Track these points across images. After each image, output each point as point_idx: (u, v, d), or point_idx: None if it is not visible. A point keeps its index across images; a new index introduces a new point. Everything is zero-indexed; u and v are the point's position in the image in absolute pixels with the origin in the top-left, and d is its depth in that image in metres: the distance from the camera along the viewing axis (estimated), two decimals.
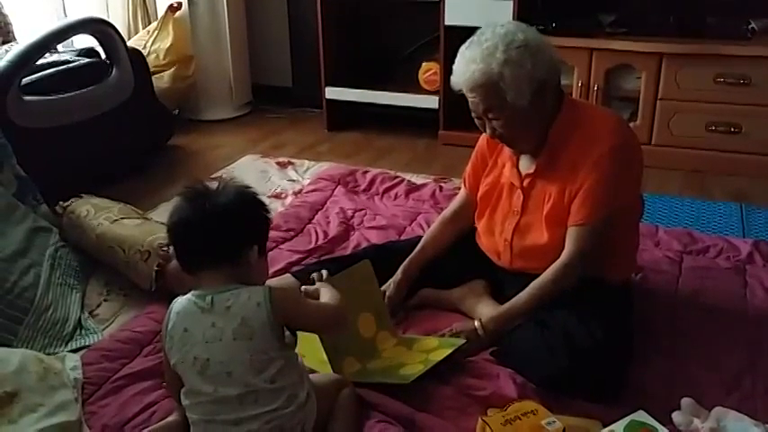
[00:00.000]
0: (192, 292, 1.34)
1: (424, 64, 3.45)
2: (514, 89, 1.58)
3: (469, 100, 1.66)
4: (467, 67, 1.62)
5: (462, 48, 1.66)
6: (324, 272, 1.63)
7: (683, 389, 1.56)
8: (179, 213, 1.34)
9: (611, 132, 1.66)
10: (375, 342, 1.72)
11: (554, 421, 1.40)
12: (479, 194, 1.88)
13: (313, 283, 1.54)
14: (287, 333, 1.35)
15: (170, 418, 1.46)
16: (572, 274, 1.66)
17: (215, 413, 1.31)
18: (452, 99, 3.29)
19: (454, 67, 1.66)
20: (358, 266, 1.75)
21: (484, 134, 1.81)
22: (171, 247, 1.97)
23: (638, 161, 1.73)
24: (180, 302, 1.35)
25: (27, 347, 1.75)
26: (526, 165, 1.76)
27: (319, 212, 2.55)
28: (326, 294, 1.45)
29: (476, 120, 1.70)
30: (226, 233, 1.31)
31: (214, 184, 1.36)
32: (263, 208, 1.39)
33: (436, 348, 1.67)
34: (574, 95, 3.02)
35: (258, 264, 1.36)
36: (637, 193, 1.79)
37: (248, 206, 1.36)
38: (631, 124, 2.92)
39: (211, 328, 1.29)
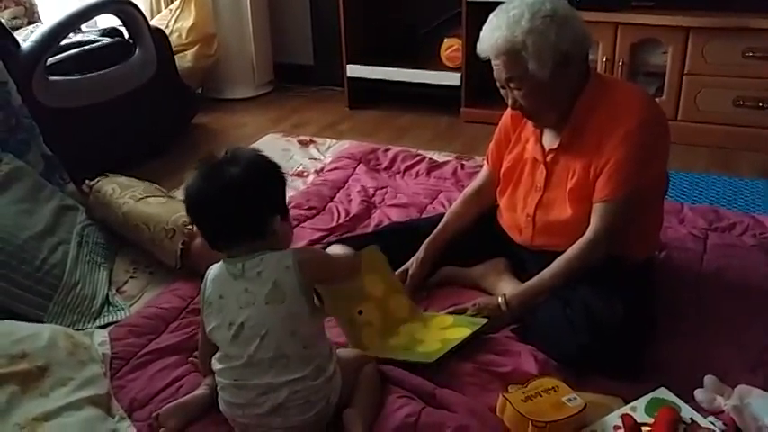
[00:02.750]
0: (223, 260, 1.38)
1: (445, 40, 3.41)
2: (536, 59, 1.57)
3: (494, 68, 1.65)
4: (492, 33, 1.61)
5: (491, 15, 1.65)
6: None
7: (706, 366, 1.55)
8: (195, 191, 1.35)
9: (638, 108, 1.64)
10: (392, 316, 1.73)
11: (575, 398, 1.41)
12: (502, 170, 1.87)
13: None
14: (315, 300, 1.38)
15: (197, 392, 1.50)
16: (597, 250, 1.65)
17: (246, 377, 1.34)
18: (474, 76, 3.30)
19: (482, 32, 1.65)
20: (365, 251, 1.72)
21: (508, 110, 1.80)
22: (195, 226, 2.01)
23: (664, 137, 1.71)
24: (214, 270, 1.39)
25: (56, 323, 1.80)
26: (550, 140, 1.75)
27: (341, 191, 2.56)
28: (338, 250, 1.51)
29: (500, 89, 1.69)
30: (243, 211, 1.33)
31: (221, 155, 1.36)
32: (275, 173, 1.39)
33: (451, 326, 1.68)
34: (599, 71, 2.97)
35: (282, 228, 1.38)
36: (663, 170, 1.77)
37: (261, 177, 1.35)
38: (657, 100, 2.87)
39: (244, 293, 1.33)
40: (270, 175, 1.38)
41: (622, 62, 3.03)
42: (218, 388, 1.40)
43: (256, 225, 1.34)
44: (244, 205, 1.32)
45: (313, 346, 1.36)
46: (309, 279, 1.35)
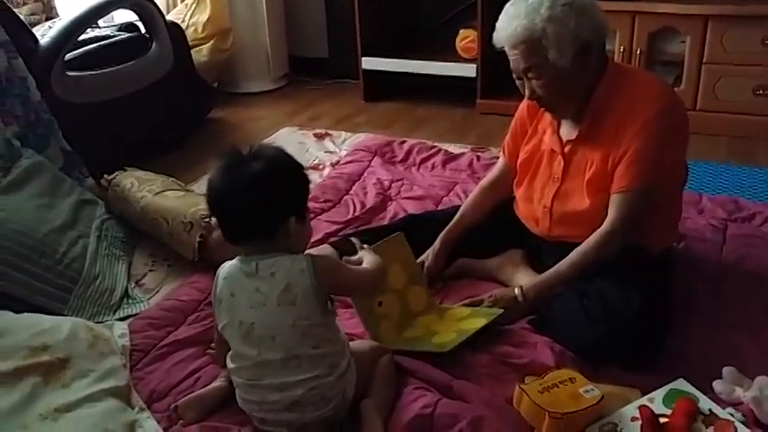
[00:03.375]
0: (238, 257, 1.37)
1: (461, 31, 3.40)
2: (556, 47, 1.56)
3: (510, 58, 1.63)
4: (510, 22, 1.59)
5: (507, 4, 1.64)
6: (356, 241, 1.64)
7: (725, 357, 1.54)
8: (215, 185, 1.35)
9: (656, 97, 1.62)
10: (410, 308, 1.73)
11: (592, 389, 1.40)
12: (519, 162, 1.86)
13: (354, 249, 1.55)
14: (328, 305, 1.37)
15: (215, 384, 1.51)
16: (615, 241, 1.64)
17: (259, 377, 1.35)
18: (490, 67, 3.28)
19: (497, 23, 1.64)
20: (392, 238, 1.75)
21: (524, 101, 1.79)
22: (213, 219, 2.03)
23: (683, 127, 1.69)
24: (226, 268, 1.39)
25: (77, 316, 1.82)
26: (567, 131, 1.74)
27: (356, 183, 2.56)
28: (368, 258, 1.49)
29: (516, 80, 1.68)
30: (259, 211, 1.31)
31: (245, 150, 1.34)
32: (296, 174, 1.37)
33: (468, 317, 1.68)
34: (616, 60, 2.94)
35: (298, 232, 1.35)
36: (682, 160, 1.75)
37: (278, 177, 1.33)
38: (675, 89, 2.84)
39: (256, 293, 1.32)
40: (288, 176, 1.35)
41: (640, 51, 3.00)
42: (234, 384, 1.41)
43: (267, 225, 1.32)
44: (256, 204, 1.31)
45: (324, 345, 1.35)
46: (323, 286, 1.33)
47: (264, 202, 1.31)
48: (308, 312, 1.32)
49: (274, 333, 1.32)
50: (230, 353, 1.40)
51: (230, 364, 1.40)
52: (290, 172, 1.36)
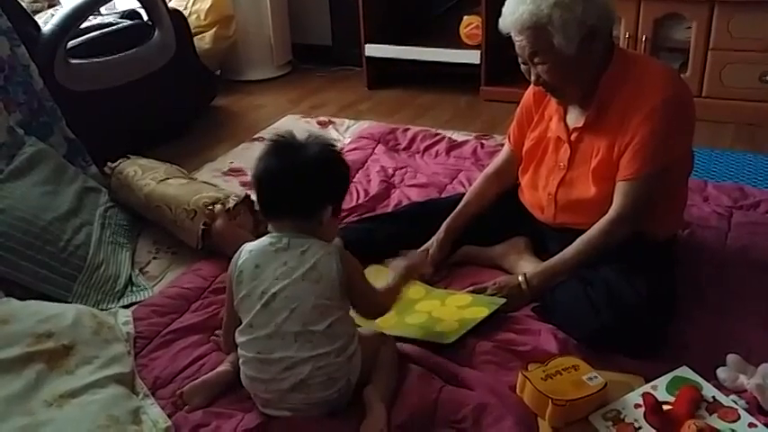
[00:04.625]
0: (269, 235, 1.42)
1: (465, 18, 3.37)
2: (562, 33, 1.55)
3: (516, 44, 1.62)
4: (516, 7, 1.58)
5: None
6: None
7: (729, 345, 1.54)
8: (266, 161, 1.40)
9: (663, 85, 1.61)
10: (409, 294, 1.72)
11: (595, 376, 1.40)
12: (524, 149, 1.86)
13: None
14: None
15: (219, 369, 1.52)
16: (621, 229, 1.63)
17: (271, 350, 1.36)
18: (494, 54, 3.26)
19: (504, 8, 1.63)
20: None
21: (530, 88, 1.78)
22: (216, 207, 2.03)
23: (690, 115, 1.68)
24: (253, 243, 1.43)
25: (81, 303, 1.82)
26: (574, 118, 1.73)
27: (360, 171, 2.56)
28: (391, 284, 1.53)
29: (521, 66, 1.67)
30: (305, 190, 1.38)
31: (302, 137, 1.42)
32: (344, 169, 1.45)
33: (470, 305, 1.68)
34: (621, 47, 2.92)
35: (330, 222, 1.42)
36: (688, 148, 1.74)
37: (330, 166, 1.41)
38: (681, 76, 2.83)
39: (283, 266, 1.37)
40: (336, 167, 1.43)
41: (645, 38, 2.97)
42: (241, 362, 1.42)
43: (308, 205, 1.39)
44: (305, 183, 1.37)
45: (338, 326, 1.37)
46: (346, 275, 1.38)
47: (312, 183, 1.38)
48: (330, 293, 1.36)
49: (295, 305, 1.35)
50: (240, 327, 1.41)
51: (240, 338, 1.41)
52: (339, 164, 1.44)
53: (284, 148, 1.41)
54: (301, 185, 1.38)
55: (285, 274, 1.36)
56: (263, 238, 1.43)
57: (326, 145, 1.44)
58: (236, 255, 1.43)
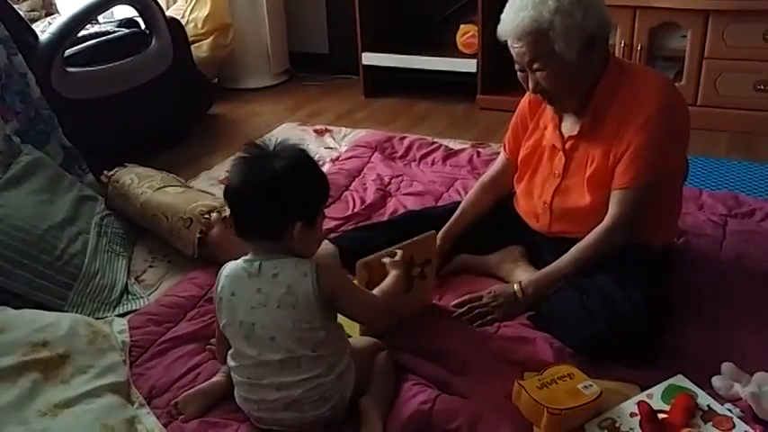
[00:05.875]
0: (243, 257, 1.37)
1: (461, 26, 3.39)
2: (563, 39, 1.55)
3: (514, 51, 1.62)
4: (516, 14, 1.58)
5: None
6: (398, 252, 1.58)
7: (724, 353, 1.54)
8: (232, 175, 1.35)
9: (657, 94, 1.62)
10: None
11: (591, 385, 1.40)
12: (520, 157, 1.86)
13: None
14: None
15: (214, 379, 1.51)
16: (615, 238, 1.64)
17: (259, 376, 1.35)
18: (491, 62, 3.27)
19: (502, 15, 1.63)
20: (425, 237, 1.68)
21: (526, 96, 1.79)
22: (212, 215, 2.03)
23: (685, 123, 1.69)
24: (229, 267, 1.39)
25: (76, 312, 1.82)
26: (569, 127, 1.73)
27: (356, 179, 2.56)
28: (388, 282, 1.47)
29: (518, 73, 1.67)
30: (266, 209, 1.31)
31: (269, 146, 1.33)
32: (312, 179, 1.35)
33: None
34: (616, 55, 2.94)
35: (305, 237, 1.33)
36: (683, 157, 1.75)
37: (294, 179, 1.31)
38: (676, 85, 2.84)
39: (257, 293, 1.32)
40: (302, 180, 1.33)
41: (641, 46, 2.99)
42: (234, 382, 1.42)
43: (272, 225, 1.32)
44: (264, 202, 1.30)
45: (323, 348, 1.34)
46: (326, 292, 1.31)
47: (272, 201, 1.30)
48: (309, 317, 1.31)
49: (274, 334, 1.32)
50: (231, 351, 1.40)
51: (231, 363, 1.40)
52: (305, 176, 1.34)
53: (247, 163, 1.32)
54: (260, 205, 1.30)
55: (260, 302, 1.31)
56: (239, 260, 1.37)
57: (292, 157, 1.33)
58: (217, 279, 1.39)
